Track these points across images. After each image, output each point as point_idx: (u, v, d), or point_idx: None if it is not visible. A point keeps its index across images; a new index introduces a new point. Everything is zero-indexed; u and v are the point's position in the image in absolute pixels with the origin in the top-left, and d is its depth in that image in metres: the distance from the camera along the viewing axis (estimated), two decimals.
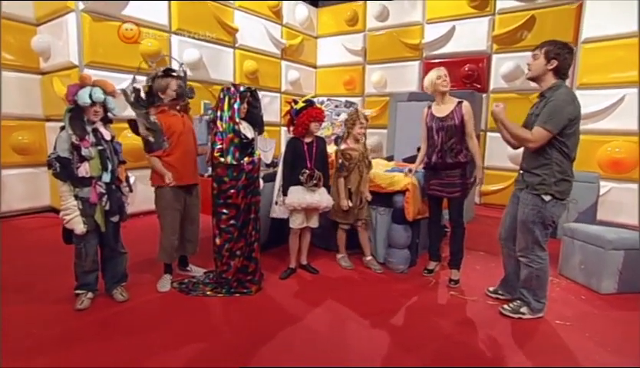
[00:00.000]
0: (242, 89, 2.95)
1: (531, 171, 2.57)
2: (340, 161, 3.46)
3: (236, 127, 2.86)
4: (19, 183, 5.19)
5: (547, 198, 2.50)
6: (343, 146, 3.50)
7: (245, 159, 2.90)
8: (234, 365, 2.11)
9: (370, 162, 3.55)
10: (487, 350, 2.32)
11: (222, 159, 2.85)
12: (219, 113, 2.89)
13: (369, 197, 3.47)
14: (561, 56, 2.48)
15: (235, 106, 2.87)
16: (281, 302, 2.89)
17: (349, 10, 7.68)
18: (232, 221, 2.90)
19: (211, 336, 2.40)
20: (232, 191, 2.86)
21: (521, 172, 2.71)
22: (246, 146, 2.92)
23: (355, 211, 3.45)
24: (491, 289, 3.05)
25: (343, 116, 4.70)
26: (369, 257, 3.61)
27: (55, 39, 4.99)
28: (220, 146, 2.86)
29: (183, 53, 5.64)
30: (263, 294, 2.99)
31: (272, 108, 7.26)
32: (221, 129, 2.86)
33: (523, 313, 2.68)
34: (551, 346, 2.39)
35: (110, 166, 2.63)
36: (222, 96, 2.91)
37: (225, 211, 2.90)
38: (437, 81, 3.12)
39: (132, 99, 2.84)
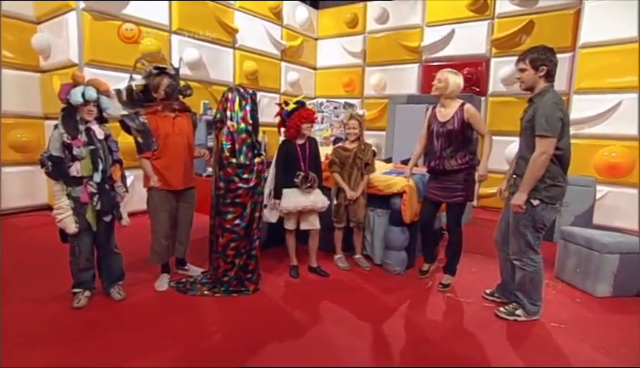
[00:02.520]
0: (250, 92, 2.97)
1: (522, 176, 2.55)
2: (331, 158, 3.52)
3: (249, 128, 2.88)
4: (17, 181, 5.18)
5: (535, 202, 2.50)
6: (338, 145, 3.58)
7: (257, 159, 2.93)
8: (230, 364, 2.11)
9: (367, 165, 3.45)
10: (481, 352, 2.34)
11: (233, 160, 2.84)
12: (228, 113, 2.88)
13: (352, 196, 3.39)
14: (547, 60, 2.49)
15: (248, 107, 2.90)
16: (278, 302, 2.90)
17: (349, 12, 7.70)
18: (237, 221, 2.91)
19: (207, 335, 2.41)
20: (241, 190, 2.87)
21: (514, 176, 2.70)
22: (254, 147, 2.94)
23: (341, 211, 3.50)
24: (488, 291, 3.05)
25: (342, 116, 4.74)
26: (358, 256, 3.69)
27: (55, 37, 5.00)
28: (230, 146, 2.85)
29: (183, 52, 5.65)
30: (260, 294, 3.00)
31: (270, 109, 7.25)
32: (232, 130, 2.85)
33: (519, 316, 2.69)
34: (545, 348, 2.40)
35: (101, 166, 2.60)
36: (230, 96, 2.91)
37: (231, 210, 2.90)
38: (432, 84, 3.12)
39: (124, 98, 2.82)
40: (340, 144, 3.59)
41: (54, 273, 3.12)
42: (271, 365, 2.13)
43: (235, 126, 2.86)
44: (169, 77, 2.93)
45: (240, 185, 2.86)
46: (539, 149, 2.42)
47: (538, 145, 2.43)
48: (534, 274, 2.63)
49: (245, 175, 2.86)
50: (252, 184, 2.89)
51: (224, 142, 2.85)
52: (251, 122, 2.89)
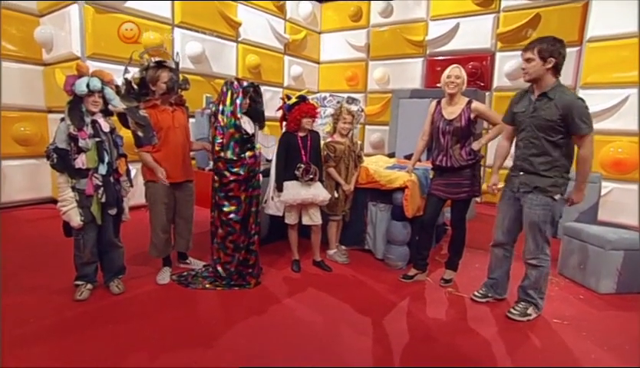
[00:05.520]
0: (245, 84, 2.93)
1: (540, 173, 2.50)
2: (325, 153, 3.49)
3: (237, 122, 2.85)
4: (21, 174, 5.21)
5: (557, 197, 2.49)
6: (329, 140, 3.56)
7: (247, 153, 2.90)
8: (230, 358, 2.11)
9: (359, 157, 3.60)
10: (483, 348, 2.32)
11: (222, 154, 2.84)
12: (220, 107, 2.86)
13: (347, 189, 3.49)
14: (556, 52, 2.41)
15: (238, 101, 2.86)
16: (279, 296, 2.89)
17: (353, 6, 7.64)
18: (232, 215, 2.91)
19: (207, 328, 2.41)
20: (233, 184, 2.86)
21: (521, 173, 2.59)
22: (246, 141, 2.91)
23: (339, 204, 3.53)
24: (479, 294, 2.92)
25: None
26: (334, 250, 3.65)
27: (58, 30, 4.99)
28: (221, 141, 2.84)
29: (186, 46, 5.64)
30: (262, 288, 3.00)
31: (273, 103, 7.21)
32: (222, 124, 2.84)
33: (530, 315, 2.65)
34: (548, 345, 2.38)
35: (106, 158, 2.60)
36: (224, 90, 2.88)
37: (226, 203, 2.90)
38: (446, 80, 2.95)
39: (123, 91, 2.80)
40: (330, 139, 3.53)
41: (57, 265, 3.13)
42: (271, 361, 2.12)
43: (225, 120, 2.83)
44: (169, 71, 2.90)
45: (231, 179, 2.85)
46: (588, 147, 2.44)
47: (585, 143, 2.44)
48: (547, 269, 2.63)
49: (235, 169, 2.85)
50: (242, 178, 2.87)
51: (216, 137, 2.85)
52: (239, 116, 2.85)
